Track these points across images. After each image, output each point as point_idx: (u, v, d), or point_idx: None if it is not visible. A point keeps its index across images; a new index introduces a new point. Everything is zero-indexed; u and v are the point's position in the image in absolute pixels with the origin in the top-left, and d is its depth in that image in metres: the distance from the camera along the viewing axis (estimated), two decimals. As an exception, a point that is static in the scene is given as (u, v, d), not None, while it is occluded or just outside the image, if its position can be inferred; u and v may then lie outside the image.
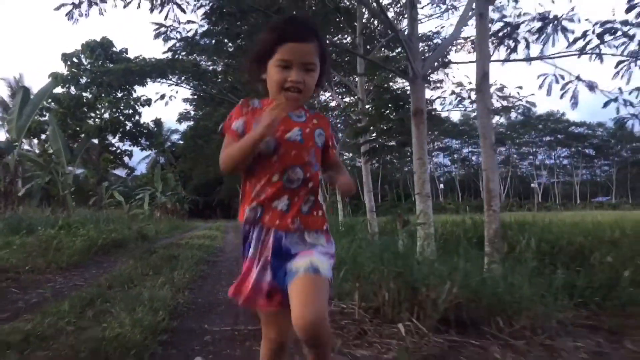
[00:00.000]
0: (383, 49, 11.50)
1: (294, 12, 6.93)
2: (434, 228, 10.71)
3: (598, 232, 8.33)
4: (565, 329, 2.56)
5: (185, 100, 19.86)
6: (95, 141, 24.49)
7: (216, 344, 2.20)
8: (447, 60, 9.09)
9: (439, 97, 9.77)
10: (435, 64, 8.54)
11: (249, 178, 1.27)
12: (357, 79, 10.52)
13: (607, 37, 6.09)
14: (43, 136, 22.19)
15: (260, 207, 1.24)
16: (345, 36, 11.73)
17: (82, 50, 23.21)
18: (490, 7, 7.30)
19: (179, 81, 14.03)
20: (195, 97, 17.89)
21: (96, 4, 7.18)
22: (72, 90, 23.55)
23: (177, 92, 14.44)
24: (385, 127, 8.44)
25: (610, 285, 4.14)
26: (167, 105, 15.57)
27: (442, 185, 62.89)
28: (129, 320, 2.15)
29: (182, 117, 24.45)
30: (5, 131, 15.93)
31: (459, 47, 10.69)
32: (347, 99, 13.56)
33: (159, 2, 6.62)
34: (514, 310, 2.54)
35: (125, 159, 28.56)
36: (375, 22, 11.10)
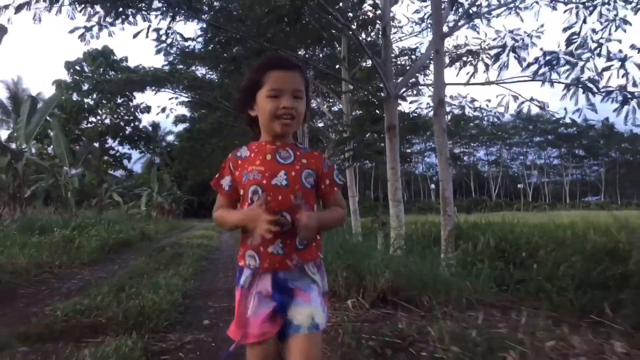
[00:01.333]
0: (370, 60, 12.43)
1: (282, 40, 7.84)
2: (415, 227, 11.74)
3: (556, 232, 9.30)
4: (472, 305, 3.49)
5: (181, 103, 20.64)
6: (96, 145, 25.35)
7: (218, 314, 3.13)
8: (417, 81, 10.00)
9: (417, 108, 10.71)
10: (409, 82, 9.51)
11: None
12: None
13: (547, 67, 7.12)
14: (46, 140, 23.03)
15: (257, 254, 1.27)
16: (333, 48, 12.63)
17: (85, 59, 24.09)
18: (466, 26, 8.30)
19: (176, 90, 14.90)
20: (191, 101, 18.69)
21: (106, 27, 8.04)
22: (75, 96, 24.45)
23: (176, 104, 15.25)
24: (364, 138, 9.41)
25: (546, 278, 5.10)
26: (168, 117, 16.36)
27: (433, 185, 63.85)
28: (157, 297, 3.08)
29: (178, 120, 25.19)
30: (10, 135, 16.71)
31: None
32: (337, 105, 14.46)
33: (164, 32, 7.54)
34: (434, 292, 3.47)
35: (125, 161, 29.36)
36: (362, 35, 11.97)
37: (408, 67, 12.46)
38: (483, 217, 14.79)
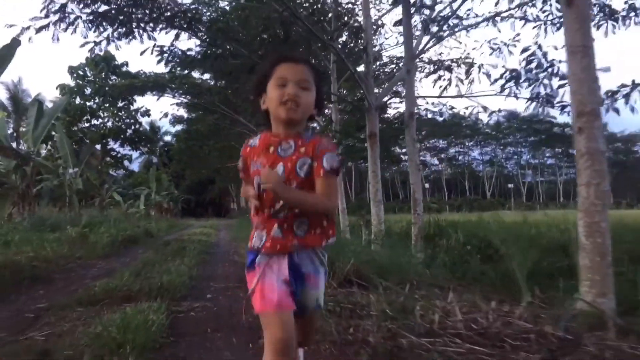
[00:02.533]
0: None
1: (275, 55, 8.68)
2: (401, 225, 12.60)
3: (522, 229, 10.17)
4: (419, 285, 4.36)
5: (179, 104, 21.46)
6: (98, 146, 26.18)
7: (218, 291, 4.00)
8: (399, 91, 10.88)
9: (398, 117, 11.58)
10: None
11: (255, 210, 1.44)
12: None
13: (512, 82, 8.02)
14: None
15: (264, 235, 1.41)
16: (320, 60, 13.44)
17: (87, 64, 24.99)
18: (446, 40, 9.15)
19: (176, 94, 15.74)
20: (189, 104, 19.50)
21: (113, 41, 8.84)
22: (78, 99, 25.33)
23: (177, 110, 16.12)
24: (350, 144, 10.30)
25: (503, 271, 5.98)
26: (171, 123, 17.07)
27: (427, 185, 64.77)
28: (170, 277, 3.96)
29: (176, 120, 26.00)
30: (11, 135, 17.52)
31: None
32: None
33: (167, 50, 8.40)
34: (390, 275, 4.35)
35: (125, 162, 30.19)
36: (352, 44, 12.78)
37: (396, 73, 13.33)
38: (464, 216, 15.71)
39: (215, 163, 26.02)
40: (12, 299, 3.67)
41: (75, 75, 25.72)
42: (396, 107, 13.33)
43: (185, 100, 17.02)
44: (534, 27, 8.62)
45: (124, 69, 25.11)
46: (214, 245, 9.23)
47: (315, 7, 9.23)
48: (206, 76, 15.64)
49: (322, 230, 1.43)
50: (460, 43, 13.20)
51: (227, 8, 9.66)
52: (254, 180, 1.43)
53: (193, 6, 8.74)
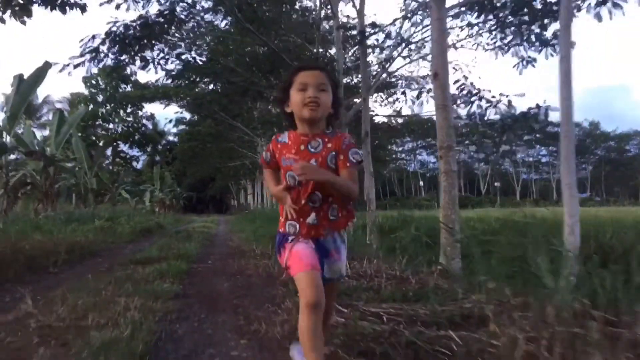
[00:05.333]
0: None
1: (262, 81, 10.71)
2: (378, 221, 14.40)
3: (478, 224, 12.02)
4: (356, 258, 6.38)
5: (181, 106, 23.51)
6: (110, 148, 28.42)
7: (215, 260, 6.04)
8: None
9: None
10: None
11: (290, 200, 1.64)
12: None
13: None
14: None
15: (297, 224, 1.62)
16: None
17: (99, 73, 27.25)
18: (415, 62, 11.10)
19: (181, 102, 17.83)
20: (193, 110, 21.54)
21: (128, 65, 10.86)
22: (91, 106, 27.67)
23: (182, 117, 18.18)
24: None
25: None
26: (175, 126, 19.11)
27: (421, 183, 66.64)
28: (185, 250, 6.03)
29: (178, 122, 28.01)
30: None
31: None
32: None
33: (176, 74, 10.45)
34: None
35: (133, 163, 32.40)
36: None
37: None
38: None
39: (216, 162, 28.09)
40: (86, 263, 5.73)
41: (88, 84, 28.09)
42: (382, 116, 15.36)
43: (189, 105, 19.01)
44: (486, 50, 10.64)
45: (133, 78, 27.33)
46: (214, 236, 11.32)
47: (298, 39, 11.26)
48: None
49: (347, 213, 1.71)
50: (429, 62, 15.19)
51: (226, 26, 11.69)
52: (285, 174, 1.67)
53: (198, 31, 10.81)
